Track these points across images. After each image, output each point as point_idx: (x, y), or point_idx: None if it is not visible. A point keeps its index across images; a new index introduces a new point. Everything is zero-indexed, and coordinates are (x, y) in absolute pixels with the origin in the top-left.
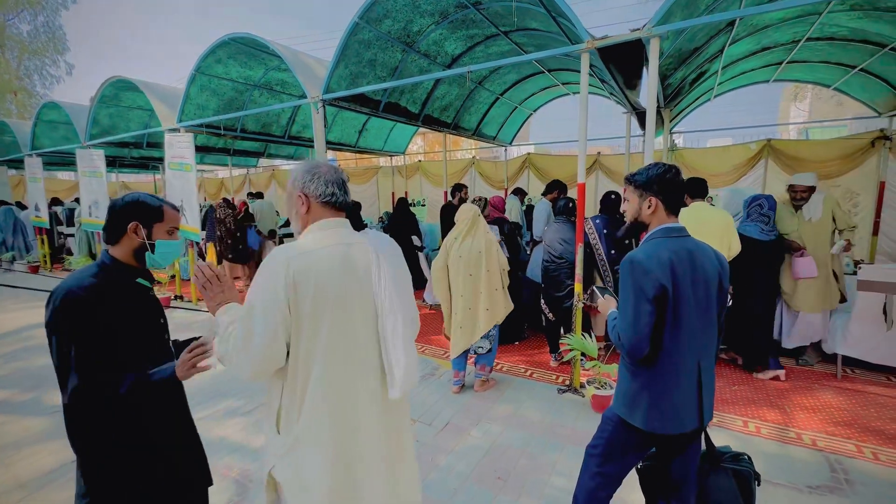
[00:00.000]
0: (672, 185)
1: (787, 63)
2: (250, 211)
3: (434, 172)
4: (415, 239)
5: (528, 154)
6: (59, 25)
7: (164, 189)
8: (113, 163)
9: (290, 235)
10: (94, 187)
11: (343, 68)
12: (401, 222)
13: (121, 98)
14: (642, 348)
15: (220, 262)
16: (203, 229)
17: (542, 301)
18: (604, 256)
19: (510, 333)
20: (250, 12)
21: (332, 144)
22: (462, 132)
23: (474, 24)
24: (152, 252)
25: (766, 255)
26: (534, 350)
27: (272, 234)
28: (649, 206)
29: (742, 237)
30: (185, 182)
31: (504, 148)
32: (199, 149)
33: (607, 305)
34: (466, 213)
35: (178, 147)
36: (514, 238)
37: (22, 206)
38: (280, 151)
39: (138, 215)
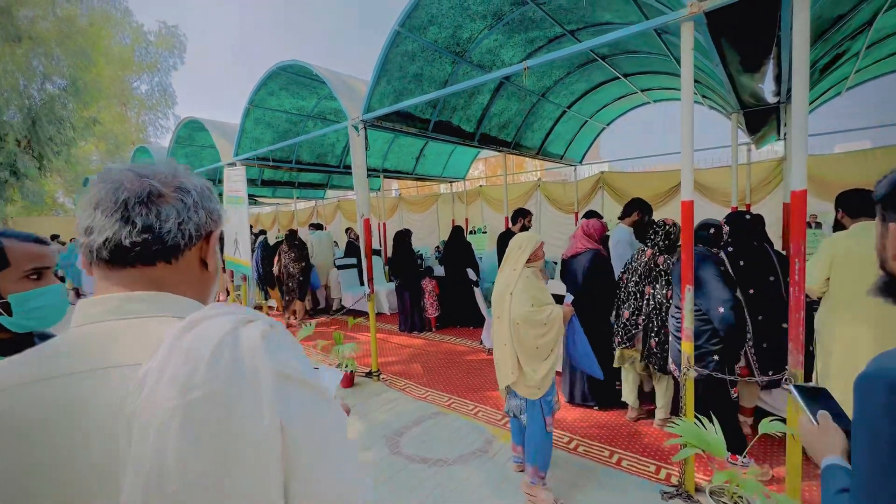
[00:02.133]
0: None
1: None
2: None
3: (496, 198)
4: (470, 272)
5: (602, 173)
6: (169, 83)
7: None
8: None
9: (350, 266)
10: None
11: (385, 84)
12: (455, 253)
13: (194, 138)
14: None
15: (270, 294)
16: (256, 262)
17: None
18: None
19: (601, 396)
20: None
21: (388, 173)
22: (524, 152)
23: (534, 25)
24: (9, 314)
25: None
26: (625, 422)
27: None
28: None
29: None
30: (239, 215)
31: (574, 168)
32: (268, 183)
33: (822, 440)
34: (510, 244)
35: (233, 181)
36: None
37: None
38: (343, 182)
39: None
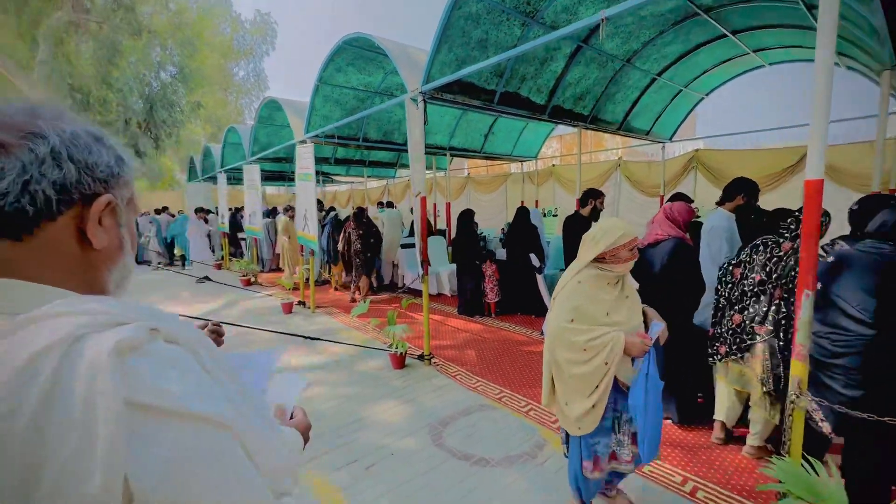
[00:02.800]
0: None
1: None
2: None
3: (570, 178)
4: (532, 257)
5: (696, 151)
6: (262, 69)
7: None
8: (281, 177)
9: (412, 245)
10: (252, 198)
11: (446, 52)
12: (519, 236)
13: (274, 117)
14: None
15: (346, 270)
16: (325, 238)
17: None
18: None
19: (680, 407)
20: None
21: (455, 151)
22: (603, 126)
23: None
24: None
25: None
26: (706, 443)
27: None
28: None
29: None
30: (307, 192)
31: (661, 145)
32: (341, 161)
33: None
34: (587, 233)
35: (303, 158)
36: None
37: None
38: None
39: None
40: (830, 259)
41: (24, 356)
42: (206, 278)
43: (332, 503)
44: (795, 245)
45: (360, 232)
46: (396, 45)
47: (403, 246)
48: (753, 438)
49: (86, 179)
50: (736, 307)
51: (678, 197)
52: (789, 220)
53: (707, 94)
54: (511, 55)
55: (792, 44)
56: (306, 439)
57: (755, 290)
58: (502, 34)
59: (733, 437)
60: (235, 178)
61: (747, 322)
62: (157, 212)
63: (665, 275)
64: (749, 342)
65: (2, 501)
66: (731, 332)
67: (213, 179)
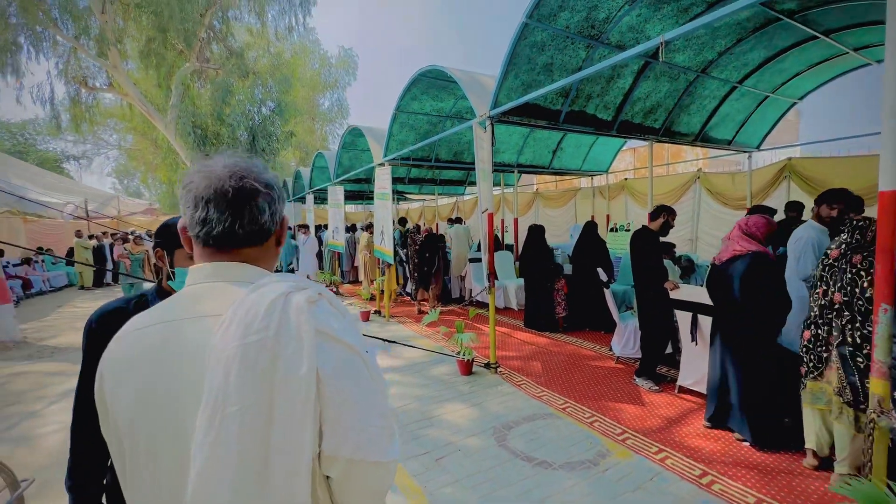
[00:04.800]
0: None
1: None
2: (438, 234)
3: (643, 192)
4: (600, 272)
5: (790, 159)
6: (344, 98)
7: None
8: (359, 196)
9: (479, 260)
10: (336, 216)
11: (513, 79)
12: (587, 250)
13: (356, 143)
14: None
15: (406, 284)
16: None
17: None
18: None
19: (759, 429)
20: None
21: (523, 167)
22: (678, 139)
23: None
24: (173, 279)
25: None
26: (784, 469)
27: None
28: None
29: None
30: (384, 210)
31: (748, 155)
32: (414, 181)
33: None
34: None
35: (382, 179)
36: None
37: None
38: None
39: (162, 241)
40: None
41: (269, 299)
42: None
43: (406, 486)
44: (842, 251)
45: (416, 247)
46: (466, 73)
47: (472, 260)
48: (841, 466)
49: (281, 208)
50: (812, 325)
51: (758, 210)
52: (842, 227)
53: (800, 99)
54: (576, 79)
55: None
56: None
57: (823, 302)
58: (567, 57)
59: (826, 466)
60: (319, 197)
61: (821, 335)
62: None
63: (745, 292)
64: (824, 355)
65: (264, 374)
66: (804, 349)
67: (302, 199)
